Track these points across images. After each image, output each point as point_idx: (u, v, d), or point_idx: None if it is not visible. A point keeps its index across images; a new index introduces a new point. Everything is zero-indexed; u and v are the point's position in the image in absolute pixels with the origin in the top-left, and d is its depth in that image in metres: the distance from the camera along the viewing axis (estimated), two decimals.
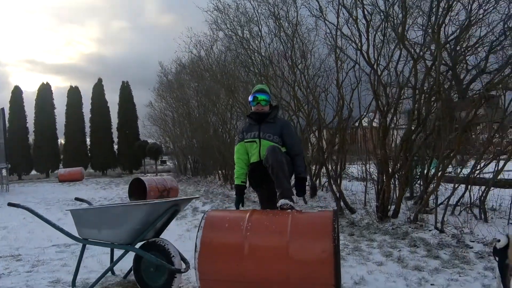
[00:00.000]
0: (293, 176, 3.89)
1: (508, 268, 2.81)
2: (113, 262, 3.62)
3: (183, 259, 3.53)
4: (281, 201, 3.34)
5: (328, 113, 9.69)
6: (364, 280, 3.65)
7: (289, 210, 3.32)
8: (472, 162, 6.29)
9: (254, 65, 9.47)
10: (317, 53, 9.66)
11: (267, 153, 3.52)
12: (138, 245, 3.48)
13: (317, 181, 10.89)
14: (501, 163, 5.89)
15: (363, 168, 8.51)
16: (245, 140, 3.88)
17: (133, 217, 3.21)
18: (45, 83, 29.03)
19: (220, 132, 15.09)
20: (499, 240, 2.91)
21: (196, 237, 3.12)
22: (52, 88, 29.61)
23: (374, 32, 6.35)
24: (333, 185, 7.47)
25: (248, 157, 3.89)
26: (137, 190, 10.70)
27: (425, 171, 7.29)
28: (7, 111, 25.94)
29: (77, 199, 4.42)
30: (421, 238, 5.23)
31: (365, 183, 8.48)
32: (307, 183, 9.89)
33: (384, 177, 6.40)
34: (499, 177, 6.08)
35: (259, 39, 8.66)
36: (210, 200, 11.06)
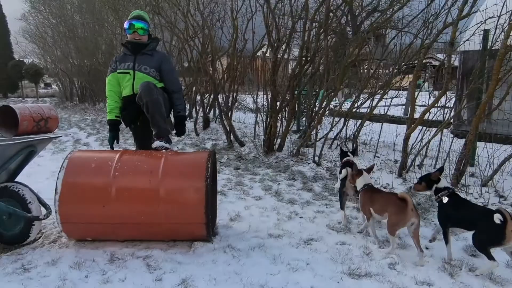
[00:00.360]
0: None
1: (345, 194, 3.62)
2: None
3: (43, 204, 3.18)
4: (156, 143, 3.16)
5: (224, 43, 9.38)
6: (240, 216, 3.76)
7: (164, 151, 3.16)
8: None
9: None
10: None
11: (140, 90, 3.23)
12: None
13: (211, 113, 10.81)
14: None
15: (256, 99, 8.60)
16: (118, 71, 3.54)
17: None
18: None
19: (110, 56, 13.72)
20: (341, 172, 3.66)
21: (57, 178, 2.83)
22: None
23: None
24: (224, 119, 7.42)
25: (120, 89, 3.55)
26: (7, 119, 9.36)
27: (311, 107, 7.65)
28: None
29: None
30: (300, 171, 5.58)
31: (256, 116, 8.64)
32: (200, 115, 9.87)
33: (272, 113, 6.53)
34: (374, 112, 6.66)
35: None
36: (96, 131, 10.32)
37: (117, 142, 3.62)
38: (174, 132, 3.65)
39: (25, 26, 20.25)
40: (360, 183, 3.28)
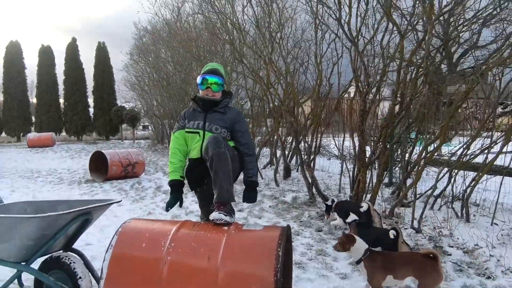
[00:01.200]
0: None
1: None
2: (4, 283, 2.89)
3: (96, 278, 2.83)
4: (214, 215, 2.63)
5: (308, 85, 8.97)
6: None
7: (225, 228, 2.62)
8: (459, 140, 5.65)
9: (228, 32, 8.48)
10: (299, 21, 8.80)
11: (207, 142, 2.79)
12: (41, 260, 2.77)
13: (293, 161, 10.29)
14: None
15: (341, 148, 7.89)
16: (186, 130, 3.14)
17: (23, 231, 2.48)
18: (14, 40, 27.26)
19: None
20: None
21: (104, 259, 2.44)
22: (23, 46, 27.93)
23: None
24: (306, 171, 6.79)
25: (187, 149, 3.18)
26: (99, 164, 9.89)
27: (406, 158, 6.69)
28: None
29: None
30: None
31: (341, 166, 7.88)
32: (281, 163, 9.37)
33: (360, 166, 5.74)
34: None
35: (231, 1, 7.62)
36: None
37: (180, 206, 3.19)
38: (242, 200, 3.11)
39: (126, 75, 22.34)
40: (358, 250, 2.94)
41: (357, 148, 6.02)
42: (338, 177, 7.73)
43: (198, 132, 3.06)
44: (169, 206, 3.10)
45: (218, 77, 3.15)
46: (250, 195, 3.04)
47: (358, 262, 2.91)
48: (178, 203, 3.14)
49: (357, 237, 2.99)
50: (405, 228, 5.04)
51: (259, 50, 7.51)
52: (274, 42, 7.45)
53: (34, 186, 9.07)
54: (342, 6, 5.37)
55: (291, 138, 9.23)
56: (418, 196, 5.70)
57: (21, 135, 27.65)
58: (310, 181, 6.76)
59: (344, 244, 2.97)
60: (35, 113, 28.58)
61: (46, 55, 27.84)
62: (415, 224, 4.96)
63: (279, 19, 7.45)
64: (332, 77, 7.47)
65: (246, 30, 8.13)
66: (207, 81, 3.12)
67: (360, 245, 2.94)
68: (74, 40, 28.46)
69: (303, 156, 7.24)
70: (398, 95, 5.22)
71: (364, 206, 4.45)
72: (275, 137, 9.53)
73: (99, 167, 9.94)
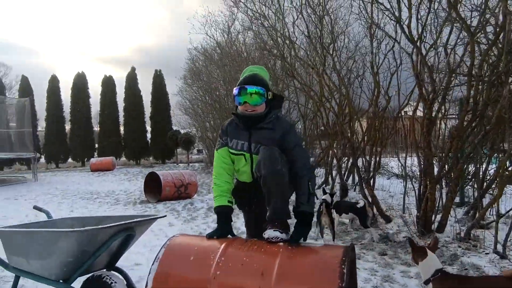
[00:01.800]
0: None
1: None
2: None
3: None
4: (268, 233, 2.31)
5: (363, 101, 8.51)
6: None
7: (281, 243, 2.29)
8: None
9: (279, 47, 8.30)
10: (351, 33, 8.46)
11: (260, 157, 2.43)
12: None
13: (349, 180, 9.72)
14: None
15: (404, 163, 7.26)
16: (231, 150, 2.65)
17: (61, 246, 2.32)
18: (80, 72, 29.43)
19: None
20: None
21: (149, 272, 2.24)
22: (88, 77, 30.04)
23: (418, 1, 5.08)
24: (365, 188, 6.28)
25: (233, 167, 2.71)
26: (154, 185, 9.99)
27: (481, 173, 5.95)
28: (44, 100, 26.65)
29: (35, 208, 3.56)
30: (475, 265, 4.01)
31: (404, 183, 7.23)
32: (337, 182, 8.87)
33: (428, 182, 5.16)
34: None
35: (281, 16, 7.46)
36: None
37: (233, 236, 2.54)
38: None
39: (181, 100, 23.07)
40: (427, 267, 2.42)
41: (422, 162, 5.45)
42: (401, 196, 7.09)
43: (243, 155, 2.60)
44: (217, 235, 2.47)
45: (258, 86, 2.52)
46: (301, 229, 2.41)
47: (426, 283, 2.43)
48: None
49: (429, 252, 2.47)
50: (486, 253, 4.36)
51: (311, 62, 7.23)
52: (328, 54, 7.14)
53: (92, 206, 9.32)
54: (401, 7, 4.97)
55: (347, 156, 8.75)
56: (500, 215, 5.00)
57: (85, 160, 29.38)
58: (370, 200, 6.23)
59: (413, 255, 2.54)
60: (97, 139, 30.31)
61: (108, 84, 29.67)
62: (499, 248, 4.27)
63: (332, 31, 7.15)
64: (390, 90, 6.99)
65: (297, 44, 7.92)
66: (245, 92, 2.52)
67: (431, 262, 2.43)
68: (133, 69, 30.15)
69: (361, 173, 6.72)
70: (470, 101, 4.64)
71: (361, 203, 5.08)
72: (330, 155, 9.07)
73: (154, 188, 10.04)
